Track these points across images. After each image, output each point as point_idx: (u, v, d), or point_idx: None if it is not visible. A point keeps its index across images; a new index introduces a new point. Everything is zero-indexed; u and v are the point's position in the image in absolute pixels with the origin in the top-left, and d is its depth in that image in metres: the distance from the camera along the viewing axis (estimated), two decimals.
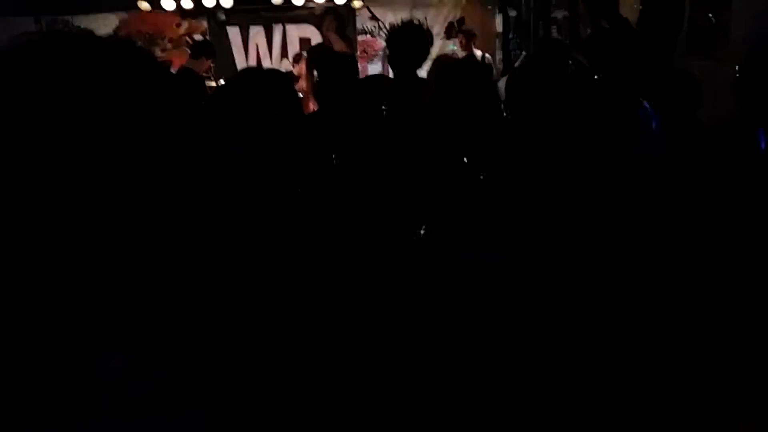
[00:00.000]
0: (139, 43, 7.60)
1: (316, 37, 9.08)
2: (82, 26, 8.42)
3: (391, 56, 3.99)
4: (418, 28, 3.84)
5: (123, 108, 0.57)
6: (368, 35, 9.28)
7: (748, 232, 1.70)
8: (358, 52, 8.87)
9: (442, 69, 3.00)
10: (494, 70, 7.63)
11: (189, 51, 8.89)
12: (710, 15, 4.93)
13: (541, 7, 8.37)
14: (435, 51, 4.86)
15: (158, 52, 8.89)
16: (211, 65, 6.77)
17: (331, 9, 8.82)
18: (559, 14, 8.09)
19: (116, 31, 8.70)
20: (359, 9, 9.04)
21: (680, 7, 4.95)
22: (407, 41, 3.77)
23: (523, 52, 7.76)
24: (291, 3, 8.53)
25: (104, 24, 8.51)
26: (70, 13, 8.41)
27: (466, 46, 7.45)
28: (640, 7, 5.11)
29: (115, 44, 0.63)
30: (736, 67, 2.22)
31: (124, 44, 0.64)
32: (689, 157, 2.79)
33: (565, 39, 7.79)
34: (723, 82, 4.53)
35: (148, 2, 8.26)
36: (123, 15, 8.68)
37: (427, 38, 3.90)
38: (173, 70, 7.72)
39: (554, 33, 8.23)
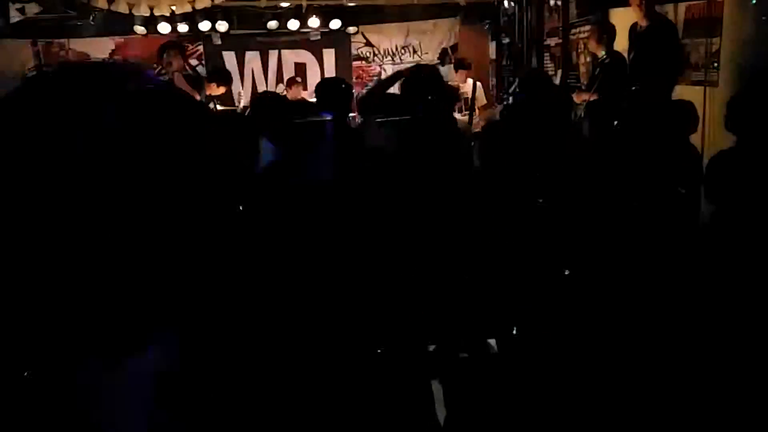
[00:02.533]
0: None
1: (311, 63, 9.16)
2: (78, 50, 8.50)
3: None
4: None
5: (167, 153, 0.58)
6: (363, 61, 9.36)
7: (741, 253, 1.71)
8: (353, 78, 8.94)
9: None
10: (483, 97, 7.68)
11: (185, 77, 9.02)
12: (700, 42, 5.01)
13: (535, 34, 8.48)
14: None
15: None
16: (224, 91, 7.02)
17: (326, 34, 8.92)
18: (552, 42, 8.19)
19: (112, 55, 8.75)
20: (354, 35, 9.13)
21: (676, 44, 5.05)
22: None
23: (517, 79, 7.83)
24: (286, 28, 8.61)
25: (100, 48, 8.56)
26: (66, 37, 8.46)
27: (461, 74, 7.50)
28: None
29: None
30: (728, 94, 2.26)
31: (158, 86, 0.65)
32: (681, 180, 2.81)
33: (558, 66, 7.89)
34: (713, 107, 4.60)
35: (144, 26, 8.32)
36: (119, 39, 8.73)
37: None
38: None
39: (547, 60, 8.33)
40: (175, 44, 6.67)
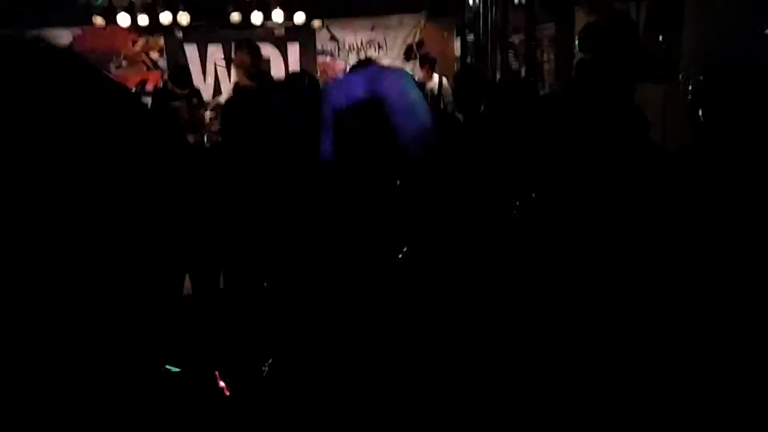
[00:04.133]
0: (93, 59, 7.59)
1: (275, 57, 9.04)
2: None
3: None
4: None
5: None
6: (328, 56, 9.29)
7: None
8: (318, 73, 8.86)
9: None
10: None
11: (146, 68, 8.84)
12: (661, 40, 5.07)
13: (499, 31, 8.51)
14: None
15: (113, 69, 8.74)
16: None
17: (291, 28, 8.82)
18: (517, 39, 8.23)
19: (70, 47, 8.53)
20: (319, 29, 9.05)
21: (636, 42, 5.08)
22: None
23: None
24: (249, 22, 8.49)
25: (58, 39, 8.33)
26: (22, 26, 8.22)
27: (426, 71, 7.49)
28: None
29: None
30: (688, 91, 2.26)
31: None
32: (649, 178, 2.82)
33: (522, 62, 7.93)
34: (674, 106, 4.65)
35: (103, 18, 8.12)
36: (77, 31, 8.51)
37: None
38: (131, 87, 7.68)
39: (511, 57, 8.36)
40: (242, 42, 6.46)
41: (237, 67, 5.85)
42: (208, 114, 6.58)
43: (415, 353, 1.58)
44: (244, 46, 6.07)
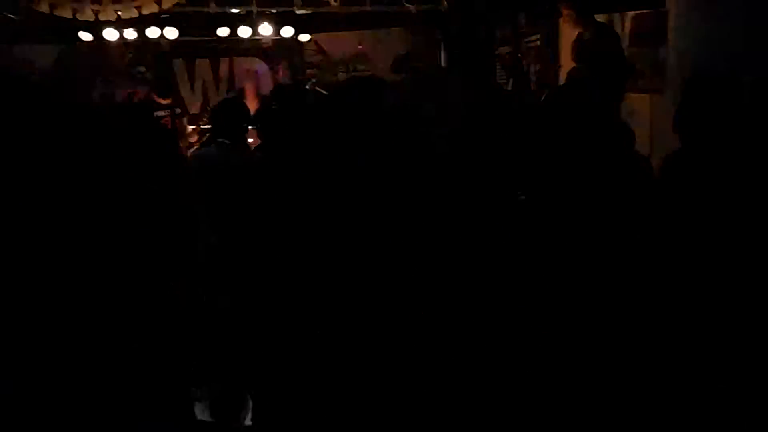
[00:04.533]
0: (81, 74, 7.59)
1: (263, 70, 9.05)
2: (22, 57, 8.22)
3: None
4: None
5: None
6: (316, 69, 9.30)
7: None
8: (307, 86, 8.87)
9: None
10: None
11: (134, 82, 8.83)
12: (646, 51, 5.11)
13: (485, 43, 8.56)
14: None
15: (100, 84, 8.72)
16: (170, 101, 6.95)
17: (279, 42, 8.84)
18: (503, 51, 8.28)
19: (57, 61, 8.50)
20: (306, 43, 9.07)
21: (619, 53, 5.11)
22: None
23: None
24: (237, 36, 8.49)
25: (44, 54, 8.31)
26: (8, 42, 8.18)
27: None
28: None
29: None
30: (675, 101, 2.28)
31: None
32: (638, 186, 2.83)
33: (509, 74, 7.97)
34: (661, 114, 4.69)
35: (90, 33, 8.09)
36: (63, 47, 8.49)
37: None
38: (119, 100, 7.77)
39: (498, 69, 8.41)
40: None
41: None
42: (188, 125, 6.89)
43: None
44: None
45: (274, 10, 8.39)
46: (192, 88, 8.95)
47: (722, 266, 1.65)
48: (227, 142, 3.91)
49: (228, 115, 4.03)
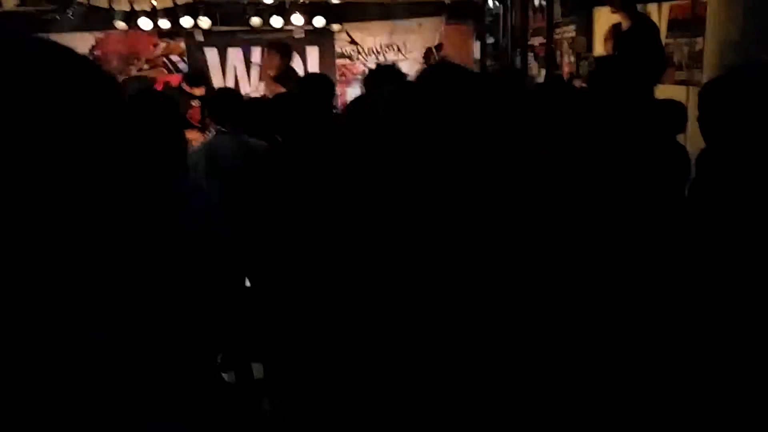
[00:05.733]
0: (115, 62, 7.61)
1: (295, 60, 9.07)
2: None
3: None
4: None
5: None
6: (347, 59, 9.30)
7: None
8: (337, 76, 8.87)
9: None
10: None
11: (166, 71, 8.92)
12: (684, 42, 5.01)
13: (519, 34, 8.48)
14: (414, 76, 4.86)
15: (134, 72, 8.83)
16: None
17: (310, 32, 8.85)
18: (536, 42, 8.19)
19: (92, 50, 8.63)
20: (338, 32, 9.07)
21: (658, 45, 5.01)
22: None
23: None
24: (270, 25, 8.53)
25: (80, 43, 8.42)
26: (44, 31, 8.32)
27: None
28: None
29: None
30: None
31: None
32: (672, 181, 2.78)
33: (542, 65, 7.89)
34: (696, 107, 4.59)
35: (125, 22, 8.20)
36: (99, 35, 8.60)
37: None
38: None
39: (531, 60, 8.33)
40: (273, 45, 6.54)
41: (266, 69, 5.85)
42: None
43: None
44: (274, 48, 6.05)
45: (306, 0, 8.42)
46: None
47: (756, 267, 1.61)
48: (224, 130, 3.93)
49: (225, 103, 4.05)
